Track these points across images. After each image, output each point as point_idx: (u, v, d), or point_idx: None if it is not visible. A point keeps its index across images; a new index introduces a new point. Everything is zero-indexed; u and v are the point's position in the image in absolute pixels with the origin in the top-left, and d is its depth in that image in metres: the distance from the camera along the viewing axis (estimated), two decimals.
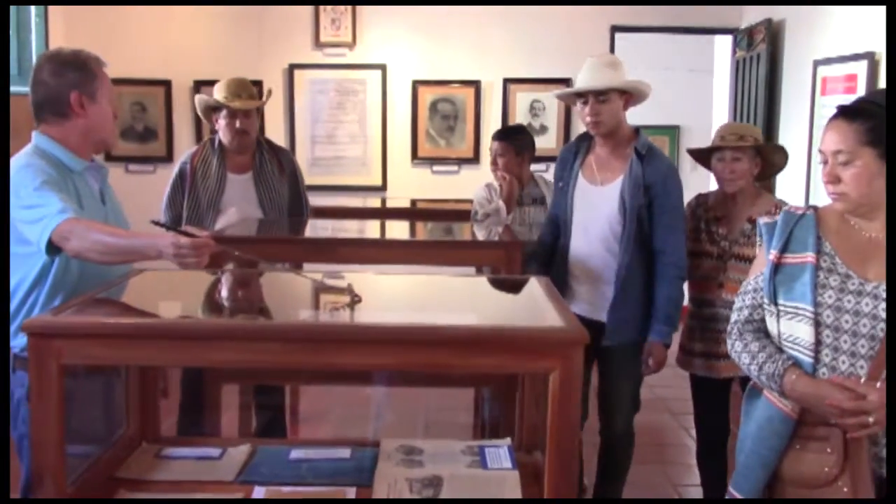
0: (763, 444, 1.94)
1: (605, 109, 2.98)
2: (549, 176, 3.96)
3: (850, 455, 1.83)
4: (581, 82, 3.02)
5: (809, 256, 1.93)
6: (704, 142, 3.31)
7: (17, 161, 2.26)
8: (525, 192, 3.85)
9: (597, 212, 3.05)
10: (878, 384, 1.80)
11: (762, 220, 2.08)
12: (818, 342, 1.89)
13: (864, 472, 1.82)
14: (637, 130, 3.08)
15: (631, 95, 3.03)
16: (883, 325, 1.83)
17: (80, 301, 1.96)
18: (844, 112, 1.91)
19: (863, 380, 1.83)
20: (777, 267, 1.97)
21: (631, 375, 3.10)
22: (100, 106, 2.35)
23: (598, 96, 2.97)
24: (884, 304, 1.84)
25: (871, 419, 1.79)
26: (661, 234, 2.99)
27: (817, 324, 1.88)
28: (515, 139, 3.88)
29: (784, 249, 1.98)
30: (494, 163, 3.85)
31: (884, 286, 1.85)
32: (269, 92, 3.72)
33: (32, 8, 5.30)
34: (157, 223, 2.29)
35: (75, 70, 2.32)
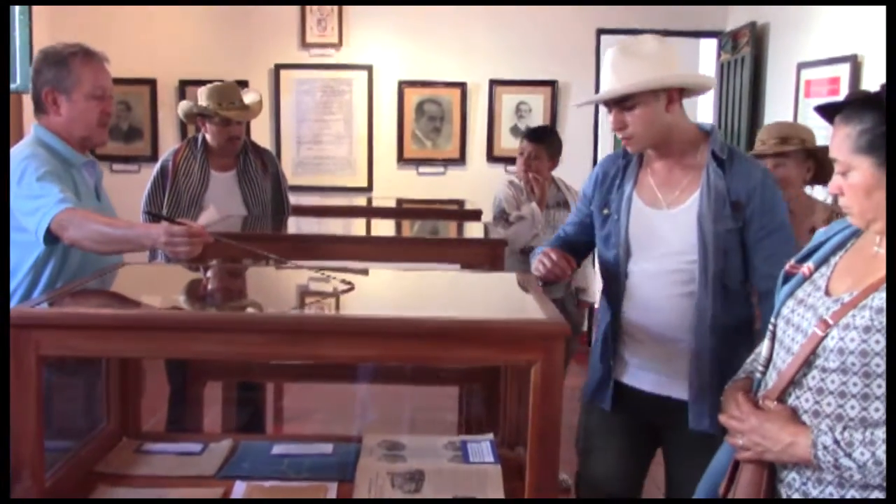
0: (717, 462, 1.81)
1: (634, 119, 2.17)
2: (569, 181, 4.02)
3: (737, 478, 1.66)
4: (602, 84, 2.25)
5: (806, 267, 1.69)
6: None
7: (20, 151, 2.26)
8: (550, 195, 3.92)
9: (665, 244, 2.23)
10: (773, 405, 1.60)
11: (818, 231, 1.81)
12: (770, 357, 1.69)
13: (751, 494, 1.63)
14: (711, 129, 2.27)
15: (678, 87, 2.20)
16: (803, 341, 1.58)
17: (60, 292, 1.95)
18: (843, 112, 1.58)
19: (760, 394, 1.66)
20: (786, 277, 1.74)
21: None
22: (75, 103, 2.33)
23: (622, 103, 2.17)
24: (815, 319, 1.57)
25: (740, 441, 1.63)
26: (767, 269, 2.11)
27: (773, 337, 1.69)
28: (550, 142, 3.95)
29: (803, 259, 1.73)
30: (527, 164, 3.89)
31: (828, 303, 1.59)
32: (260, 102, 3.69)
33: (16, 7, 5.26)
34: (150, 213, 2.28)
35: (51, 66, 2.33)
